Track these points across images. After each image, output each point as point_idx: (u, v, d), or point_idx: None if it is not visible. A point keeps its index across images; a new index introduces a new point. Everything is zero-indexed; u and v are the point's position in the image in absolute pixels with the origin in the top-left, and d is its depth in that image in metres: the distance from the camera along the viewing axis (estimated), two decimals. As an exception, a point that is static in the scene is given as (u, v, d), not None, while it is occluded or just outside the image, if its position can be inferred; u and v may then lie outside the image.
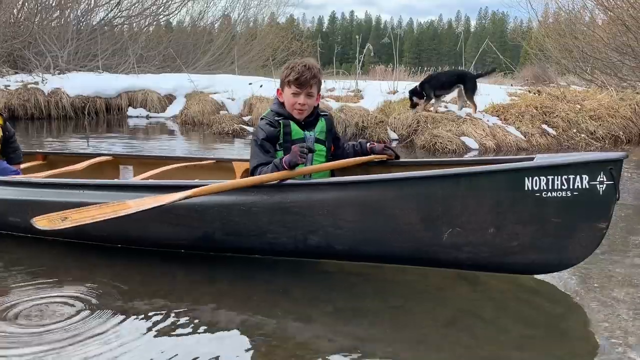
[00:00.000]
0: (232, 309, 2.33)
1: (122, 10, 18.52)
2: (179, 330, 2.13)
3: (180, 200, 2.53)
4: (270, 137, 2.80)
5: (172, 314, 2.24)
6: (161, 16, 20.25)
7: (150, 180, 3.27)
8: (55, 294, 2.42)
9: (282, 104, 2.88)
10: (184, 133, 9.75)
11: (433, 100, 7.91)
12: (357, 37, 11.09)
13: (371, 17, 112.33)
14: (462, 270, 2.61)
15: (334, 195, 2.53)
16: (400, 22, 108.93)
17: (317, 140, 2.89)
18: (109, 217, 2.51)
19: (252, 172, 2.79)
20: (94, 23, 17.57)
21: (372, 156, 3.06)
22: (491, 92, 9.30)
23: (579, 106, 8.63)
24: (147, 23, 20.03)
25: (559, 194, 2.22)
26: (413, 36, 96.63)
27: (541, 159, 2.37)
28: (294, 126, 2.84)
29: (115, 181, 3.38)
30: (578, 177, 2.20)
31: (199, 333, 2.13)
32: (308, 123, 2.89)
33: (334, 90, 10.27)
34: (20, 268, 2.78)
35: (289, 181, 2.61)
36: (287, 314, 2.26)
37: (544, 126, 7.93)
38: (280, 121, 2.82)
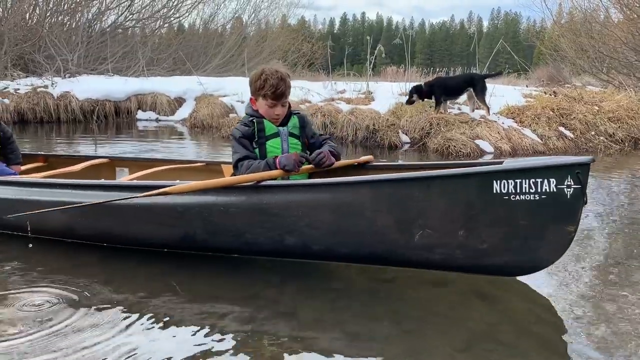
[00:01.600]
0: (233, 320, 2.17)
1: (133, 13, 18.53)
2: (159, 326, 2.13)
3: (157, 194, 2.64)
4: (246, 134, 2.89)
5: (151, 311, 2.25)
6: (172, 19, 20.22)
7: (135, 181, 3.36)
8: (43, 291, 2.49)
9: (256, 110, 2.96)
10: (192, 136, 9.63)
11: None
12: (368, 37, 10.90)
13: (382, 18, 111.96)
14: (480, 290, 2.48)
15: (310, 197, 2.59)
16: (412, 23, 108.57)
17: (291, 134, 2.98)
18: None
19: (234, 165, 2.88)
20: (104, 26, 17.58)
21: (353, 160, 3.17)
22: (506, 93, 9.07)
23: (596, 108, 8.38)
24: (157, 26, 20.02)
25: (527, 197, 2.26)
26: (425, 37, 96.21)
27: (509, 163, 2.40)
28: (267, 123, 2.92)
29: (102, 181, 3.44)
30: (546, 180, 2.23)
31: (172, 332, 2.12)
32: (281, 122, 2.98)
33: (345, 92, 10.10)
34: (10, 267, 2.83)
35: (267, 182, 2.66)
36: (292, 340, 2.08)
37: (561, 129, 7.69)
38: (254, 120, 2.91)
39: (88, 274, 2.70)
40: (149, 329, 2.15)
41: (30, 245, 3.08)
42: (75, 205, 2.85)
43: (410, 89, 7.76)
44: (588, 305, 2.40)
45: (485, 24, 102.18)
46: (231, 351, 1.99)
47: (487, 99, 8.62)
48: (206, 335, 2.10)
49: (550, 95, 9.06)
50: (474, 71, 10.14)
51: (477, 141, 7.05)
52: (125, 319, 2.22)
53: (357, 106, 8.53)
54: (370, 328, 2.17)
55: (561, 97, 8.76)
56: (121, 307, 2.32)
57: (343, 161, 3.12)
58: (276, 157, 2.78)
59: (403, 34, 11.36)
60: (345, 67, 12.90)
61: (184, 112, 11.65)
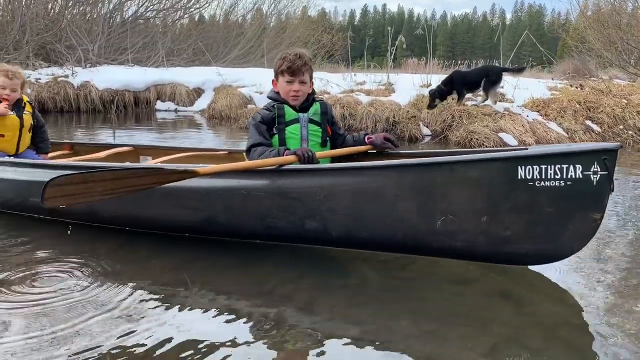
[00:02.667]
0: (247, 315, 2.08)
1: (154, 4, 18.54)
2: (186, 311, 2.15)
3: (187, 177, 2.61)
4: (266, 119, 2.96)
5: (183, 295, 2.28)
6: (192, 9, 20.20)
7: (159, 164, 3.36)
8: (68, 270, 2.55)
9: (277, 93, 3.04)
10: (210, 127, 9.58)
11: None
12: (389, 28, 10.71)
13: (404, 10, 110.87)
14: (504, 289, 2.34)
15: (331, 181, 2.58)
16: (433, 14, 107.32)
17: (311, 121, 3.02)
18: (113, 195, 2.52)
19: (247, 151, 2.95)
20: (125, 17, 17.62)
21: (371, 145, 3.17)
22: (530, 86, 8.83)
23: (625, 101, 8.10)
24: (177, 16, 20.03)
25: (552, 183, 2.22)
26: (447, 29, 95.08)
27: (534, 148, 2.36)
28: (287, 109, 2.98)
29: (127, 164, 3.41)
30: (571, 166, 2.19)
31: (208, 315, 2.14)
32: (302, 108, 3.03)
33: (365, 83, 9.93)
34: (37, 248, 2.88)
35: (289, 166, 2.67)
36: (307, 337, 1.97)
37: (588, 122, 7.44)
38: (275, 105, 2.98)
39: (109, 258, 2.72)
40: (160, 317, 2.12)
41: (70, 231, 3.08)
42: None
43: (430, 92, 7.45)
44: (620, 308, 2.25)
45: (508, 16, 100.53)
46: (245, 346, 1.90)
47: (511, 91, 8.42)
48: (219, 329, 2.04)
49: (577, 88, 8.79)
50: (495, 64, 9.85)
51: (501, 134, 6.86)
52: (137, 309, 2.18)
53: (377, 98, 8.38)
54: (389, 328, 2.06)
55: (588, 90, 8.49)
56: (134, 298, 2.28)
57: (363, 147, 3.16)
58: (287, 149, 2.83)
59: (425, 25, 11.14)
60: (365, 59, 12.72)
61: (202, 102, 11.60)
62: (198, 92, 12.10)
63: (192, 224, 2.93)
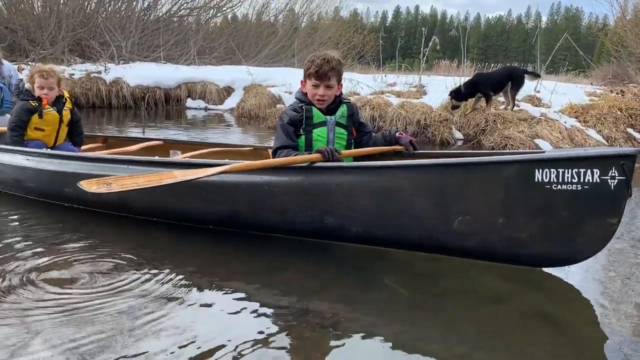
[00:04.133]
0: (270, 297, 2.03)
1: (188, 2, 18.68)
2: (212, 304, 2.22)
3: (217, 173, 2.70)
4: (294, 121, 2.99)
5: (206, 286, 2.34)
6: (225, 8, 20.28)
7: (190, 159, 3.49)
8: (103, 259, 2.63)
9: (305, 94, 3.06)
10: (239, 125, 9.53)
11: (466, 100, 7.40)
12: (423, 29, 10.51)
13: (437, 11, 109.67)
14: (541, 309, 2.18)
15: (351, 179, 2.64)
16: (467, 16, 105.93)
17: (338, 124, 3.05)
18: (150, 185, 2.67)
19: (273, 153, 2.99)
20: (159, 14, 17.79)
21: (393, 147, 3.22)
22: (568, 91, 8.55)
23: (669, 109, 7.74)
24: (210, 15, 20.13)
25: (569, 187, 2.23)
26: (480, 31, 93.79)
27: (552, 152, 2.38)
28: (315, 111, 3.00)
29: (156, 158, 3.51)
30: (589, 171, 2.20)
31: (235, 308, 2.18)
32: (330, 110, 3.05)
33: (395, 85, 9.76)
34: (73, 236, 2.98)
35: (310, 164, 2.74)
36: (328, 357, 1.85)
37: (630, 130, 7.14)
38: (303, 107, 3.00)
39: (135, 247, 2.80)
40: (185, 302, 2.19)
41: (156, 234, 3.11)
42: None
43: (461, 90, 7.33)
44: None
45: (544, 19, 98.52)
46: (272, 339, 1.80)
47: (548, 96, 8.16)
48: (239, 319, 2.08)
49: (617, 94, 8.45)
50: (529, 68, 9.62)
51: (537, 140, 6.61)
52: (162, 293, 2.26)
53: (408, 100, 8.20)
54: (418, 349, 1.91)
55: (630, 96, 8.15)
56: (162, 283, 2.36)
57: (385, 147, 3.21)
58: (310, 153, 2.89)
59: (459, 26, 10.90)
60: (396, 60, 12.54)
61: (232, 101, 11.58)
62: (228, 90, 12.09)
63: (217, 217, 3.02)
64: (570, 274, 2.59)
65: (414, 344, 1.95)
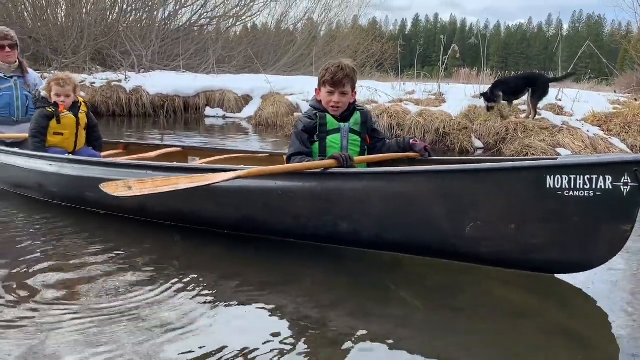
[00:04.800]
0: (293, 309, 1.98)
1: (208, 11, 18.84)
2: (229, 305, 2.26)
3: (233, 178, 2.70)
4: (308, 128, 3.02)
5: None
6: (244, 17, 20.42)
7: (204, 165, 3.61)
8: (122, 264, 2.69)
9: (319, 101, 3.09)
10: (256, 134, 9.54)
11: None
12: (442, 37, 10.43)
13: (456, 19, 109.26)
14: (566, 327, 2.08)
15: (364, 185, 2.64)
16: (487, 24, 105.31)
17: (352, 131, 3.09)
18: (168, 189, 2.69)
19: (288, 159, 3.02)
20: (179, 24, 17.98)
21: (407, 154, 3.25)
22: (590, 99, 8.38)
23: (696, 117, 7.53)
24: (230, 24, 20.28)
25: (581, 193, 2.22)
26: (500, 39, 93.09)
27: (564, 158, 2.37)
28: (329, 118, 3.04)
29: (174, 164, 3.55)
30: (601, 177, 2.18)
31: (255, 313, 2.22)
32: (344, 117, 3.08)
33: (414, 93, 9.68)
34: (95, 239, 3.08)
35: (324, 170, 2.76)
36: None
37: (655, 139, 6.95)
38: (317, 114, 3.04)
39: (153, 252, 2.87)
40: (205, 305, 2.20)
41: (177, 238, 3.14)
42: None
43: (487, 93, 7.34)
44: None
45: (565, 26, 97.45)
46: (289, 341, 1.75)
47: (569, 104, 8.02)
48: (255, 329, 2.08)
49: (642, 102, 8.26)
50: (550, 74, 9.55)
51: (559, 149, 6.47)
52: (180, 299, 2.29)
53: (427, 108, 8.12)
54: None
55: (655, 104, 7.96)
56: (180, 290, 2.37)
57: (399, 154, 3.24)
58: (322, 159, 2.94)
59: (479, 34, 10.81)
60: (415, 68, 12.46)
61: (250, 109, 11.61)
62: (246, 99, 12.14)
63: (232, 221, 3.06)
64: (593, 288, 2.51)
65: (431, 361, 1.87)
